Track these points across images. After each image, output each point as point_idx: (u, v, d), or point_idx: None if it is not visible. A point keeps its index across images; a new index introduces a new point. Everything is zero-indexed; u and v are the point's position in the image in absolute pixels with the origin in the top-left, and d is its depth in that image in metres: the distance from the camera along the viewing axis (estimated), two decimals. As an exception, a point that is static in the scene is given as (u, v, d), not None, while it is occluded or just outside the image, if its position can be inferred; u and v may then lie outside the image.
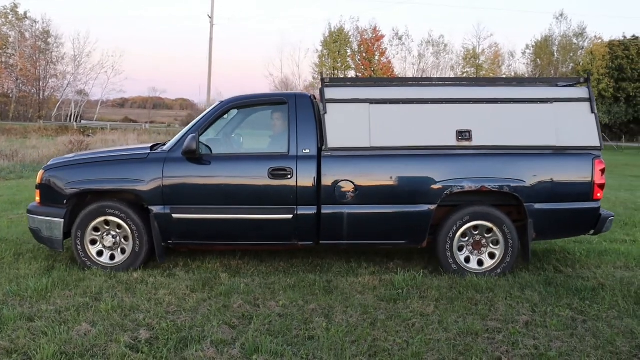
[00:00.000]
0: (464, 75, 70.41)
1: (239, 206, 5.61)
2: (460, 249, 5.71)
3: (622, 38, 68.93)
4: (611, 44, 68.33)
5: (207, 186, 5.68)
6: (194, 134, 5.54)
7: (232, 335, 4.09)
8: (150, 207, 5.63)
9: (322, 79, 5.86)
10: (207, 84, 42.25)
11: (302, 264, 6.10)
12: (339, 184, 5.50)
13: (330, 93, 5.70)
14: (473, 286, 5.27)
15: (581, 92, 5.84)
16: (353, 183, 5.49)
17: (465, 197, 5.66)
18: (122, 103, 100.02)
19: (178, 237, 5.72)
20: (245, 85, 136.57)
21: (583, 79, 6.03)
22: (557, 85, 6.22)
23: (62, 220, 5.69)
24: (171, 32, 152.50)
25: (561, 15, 72.71)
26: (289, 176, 5.53)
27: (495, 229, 5.62)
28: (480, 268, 5.68)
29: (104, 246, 5.79)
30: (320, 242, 5.73)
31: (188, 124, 6.16)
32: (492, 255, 5.70)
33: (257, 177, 5.58)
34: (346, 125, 5.62)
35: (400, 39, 74.21)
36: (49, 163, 6.20)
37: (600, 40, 69.44)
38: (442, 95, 5.78)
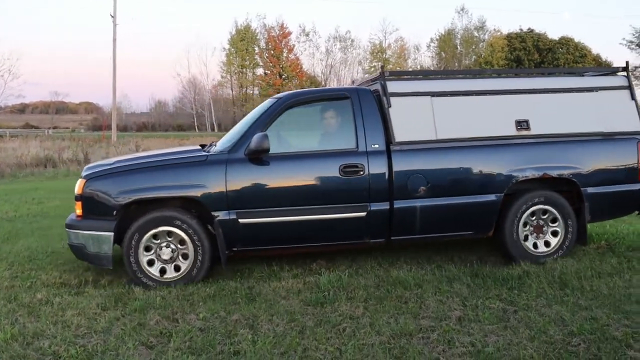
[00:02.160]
0: (372, 69, 71.53)
1: (310, 206, 5.44)
2: (526, 237, 5.93)
3: (519, 30, 72.35)
4: (509, 37, 71.64)
5: (275, 187, 5.44)
6: (263, 133, 5.33)
7: (151, 357, 3.76)
8: (213, 213, 5.30)
9: (383, 72, 5.81)
10: (112, 86, 40.51)
11: (221, 270, 5.80)
12: (412, 177, 5.52)
13: (393, 86, 5.74)
14: (400, 283, 5.18)
15: (621, 80, 6.25)
16: (424, 176, 5.55)
17: (529, 184, 5.86)
18: (22, 109, 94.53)
19: (244, 243, 5.48)
20: (153, 86, 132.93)
21: (622, 68, 6.34)
22: (597, 75, 6.57)
23: (112, 234, 5.23)
24: (73, 33, 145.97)
25: (462, 9, 75.36)
26: (361, 172, 5.47)
27: (557, 213, 5.88)
28: (546, 250, 5.93)
29: (159, 259, 5.39)
30: (392, 238, 5.72)
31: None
32: (548, 243, 5.96)
33: (328, 175, 5.49)
34: (411, 118, 5.67)
35: (307, 35, 74.64)
36: (89, 171, 5.62)
37: (499, 33, 72.68)
38: (498, 87, 6.05)
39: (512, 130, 5.83)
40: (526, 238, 5.92)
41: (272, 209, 5.40)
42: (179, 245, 5.38)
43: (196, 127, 75.30)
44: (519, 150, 5.81)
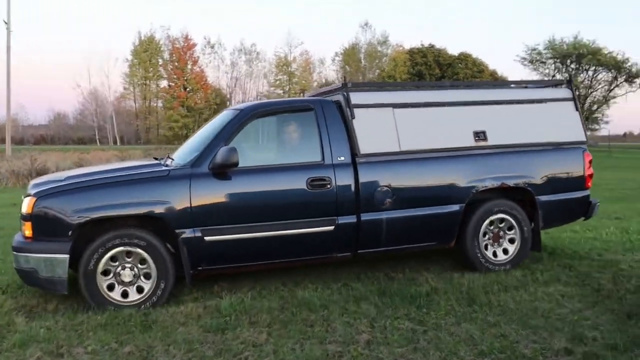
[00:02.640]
0: (277, 82, 71.63)
1: (277, 222, 5.28)
2: (486, 246, 6.04)
3: (420, 46, 74.67)
4: (411, 52, 73.78)
5: (241, 203, 5.23)
6: (230, 146, 5.11)
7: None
8: (177, 231, 5.00)
9: (345, 83, 5.78)
10: (6, 97, 38.04)
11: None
12: (377, 190, 5.50)
13: (356, 98, 5.70)
14: (306, 304, 4.94)
15: (566, 92, 6.54)
16: (390, 188, 5.53)
17: (488, 194, 5.99)
18: None
19: (210, 261, 5.22)
20: (52, 97, 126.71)
21: (566, 80, 6.72)
22: (542, 87, 6.85)
23: (67, 256, 4.79)
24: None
25: (366, 24, 76.99)
26: (328, 185, 5.38)
27: (513, 222, 6.05)
28: (505, 257, 6.08)
29: (118, 281, 5.01)
30: (358, 251, 5.65)
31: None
32: (506, 251, 6.12)
33: (296, 188, 5.34)
34: (374, 130, 5.65)
35: (212, 47, 73.85)
36: (38, 188, 5.09)
37: (401, 48, 74.70)
38: (456, 98, 6.13)
39: (470, 141, 5.95)
40: (486, 247, 6.05)
41: (239, 225, 5.19)
42: (139, 265, 5.04)
43: (97, 141, 72.39)
44: (478, 161, 5.94)
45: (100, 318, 4.66)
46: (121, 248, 4.95)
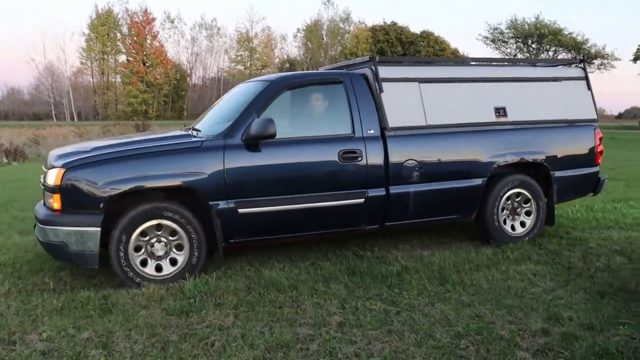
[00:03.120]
0: (238, 58, 70.75)
1: (309, 194, 5.27)
2: (504, 220, 6.21)
3: (382, 23, 74.54)
4: (374, 29, 73.67)
5: (275, 174, 5.20)
6: (268, 117, 5.05)
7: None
8: (211, 203, 4.93)
9: (373, 57, 5.80)
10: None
11: (73, 276, 5.08)
12: (405, 163, 5.55)
13: (384, 72, 5.70)
14: (273, 284, 4.77)
15: (579, 71, 6.72)
16: (417, 161, 5.59)
17: (507, 169, 6.13)
18: None
19: (242, 234, 5.18)
20: (5, 72, 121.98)
21: (579, 60, 6.83)
22: (557, 66, 7.07)
23: (99, 229, 4.68)
24: None
25: (328, 0, 76.25)
26: (359, 158, 5.40)
27: (530, 196, 6.24)
28: (522, 230, 6.28)
29: (150, 255, 4.93)
30: (386, 223, 5.73)
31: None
32: (523, 224, 6.31)
33: (328, 161, 5.35)
34: (402, 104, 5.70)
35: (172, 22, 72.57)
36: (67, 159, 4.89)
37: (364, 25, 74.49)
38: (478, 74, 6.30)
39: (492, 117, 6.09)
40: (504, 221, 6.20)
41: (271, 197, 5.15)
42: (170, 237, 4.95)
43: (54, 116, 70.31)
44: (499, 136, 6.08)
45: (57, 302, 4.43)
46: (153, 222, 4.85)
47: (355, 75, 5.73)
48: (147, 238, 4.89)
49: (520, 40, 59.20)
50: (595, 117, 6.67)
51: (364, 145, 5.42)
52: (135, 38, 66.84)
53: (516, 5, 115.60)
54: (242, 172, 5.06)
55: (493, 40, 61.85)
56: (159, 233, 4.92)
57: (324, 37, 73.42)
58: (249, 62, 72.15)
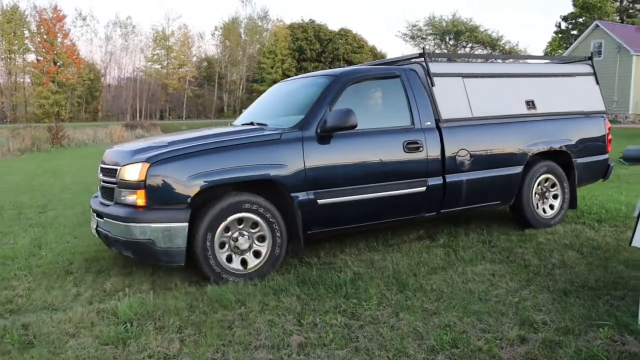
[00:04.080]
0: (155, 57, 69.03)
1: (380, 183, 5.47)
2: (536, 205, 6.67)
3: (301, 21, 74.56)
4: (292, 27, 73.57)
5: (350, 165, 5.37)
6: (347, 108, 5.19)
7: None
8: (293, 195, 5.00)
9: (425, 53, 6.10)
10: None
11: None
12: (458, 152, 5.89)
13: (434, 67, 6.08)
14: (218, 301, 4.35)
15: (588, 68, 7.39)
16: (467, 151, 5.95)
17: (538, 157, 6.60)
18: None
19: (320, 224, 5.30)
20: None
21: (587, 57, 7.54)
22: (570, 63, 7.74)
23: (187, 224, 4.62)
24: None
25: (246, -2, 75.50)
26: (420, 149, 5.67)
27: (556, 180, 6.76)
28: (552, 212, 6.78)
29: (234, 250, 4.90)
30: (441, 211, 6.01)
31: None
32: (552, 207, 6.82)
33: (395, 151, 5.58)
34: (450, 97, 6.07)
35: (84, 19, 69.90)
36: (147, 154, 4.80)
37: (282, 23, 74.21)
38: (510, 70, 7.04)
39: (524, 109, 6.60)
40: (537, 205, 6.65)
41: (346, 187, 5.31)
42: (251, 230, 4.95)
43: (-46, 118, 65.97)
44: (532, 127, 6.58)
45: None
46: (237, 215, 4.83)
47: (409, 70, 6.01)
48: (230, 233, 4.87)
49: (438, 36, 60.67)
50: (604, 109, 7.35)
51: (423, 136, 5.71)
52: (45, 36, 63.72)
53: (434, 2, 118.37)
54: (320, 163, 5.18)
55: (412, 37, 63.10)
56: (241, 227, 4.90)
57: (242, 35, 72.62)
58: (166, 61, 70.33)
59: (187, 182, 4.66)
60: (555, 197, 6.81)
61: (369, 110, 5.88)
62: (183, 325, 3.91)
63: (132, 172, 4.72)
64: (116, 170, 4.95)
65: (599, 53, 40.63)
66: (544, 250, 5.63)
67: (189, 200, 4.66)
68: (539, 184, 6.63)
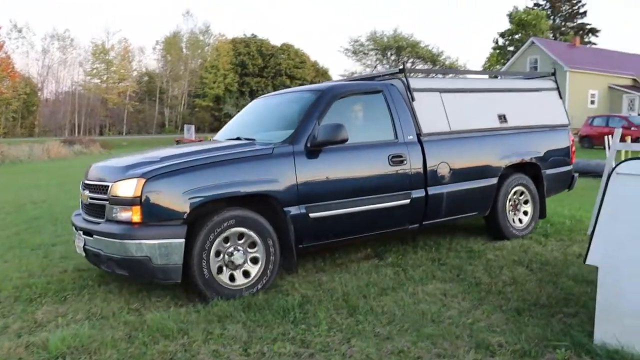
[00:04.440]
0: (94, 71, 67.51)
1: (367, 197, 5.55)
2: (510, 216, 6.90)
3: (243, 36, 74.35)
4: (234, 41, 73.29)
5: (340, 179, 5.44)
6: (337, 123, 5.27)
7: None
8: (285, 209, 5.02)
9: (404, 69, 6.24)
10: None
11: None
12: (439, 165, 6.04)
13: (414, 82, 6.23)
14: (159, 330, 4.08)
15: (552, 83, 7.74)
16: (447, 164, 6.11)
17: (511, 169, 6.81)
18: None
19: (312, 238, 5.32)
20: None
21: (550, 73, 7.86)
22: (535, 78, 8.11)
23: (184, 240, 4.55)
24: None
25: (187, 12, 75.08)
26: (404, 162, 5.80)
27: (527, 192, 7.02)
28: (524, 224, 7.03)
29: (227, 264, 4.84)
30: (424, 222, 6.11)
31: None
32: (526, 213, 7.09)
33: (381, 165, 5.69)
34: (430, 112, 6.21)
35: (19, 31, 67.64)
36: (141, 170, 4.72)
37: (224, 38, 73.84)
38: (483, 85, 7.32)
39: (497, 123, 6.82)
40: (510, 217, 6.88)
41: (335, 201, 5.35)
42: (248, 249, 4.92)
43: None
44: (505, 140, 6.82)
45: None
46: (235, 229, 4.82)
47: (391, 86, 6.14)
48: (228, 244, 4.85)
49: (380, 52, 61.43)
50: (568, 122, 7.67)
51: (407, 150, 5.85)
52: (-23, 49, 61.32)
53: (375, 18, 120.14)
54: (311, 177, 5.22)
55: (354, 52, 63.66)
56: (241, 242, 4.89)
57: (184, 50, 71.82)
58: (106, 75, 68.75)
59: (183, 197, 4.62)
60: (526, 206, 7.08)
61: (355, 124, 5.94)
62: (121, 359, 3.64)
63: (127, 188, 4.62)
64: (105, 186, 4.88)
65: (535, 69, 41.99)
66: (494, 267, 5.58)
67: (185, 215, 4.61)
68: (513, 194, 6.89)
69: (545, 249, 6.31)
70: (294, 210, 5.09)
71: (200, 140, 45.55)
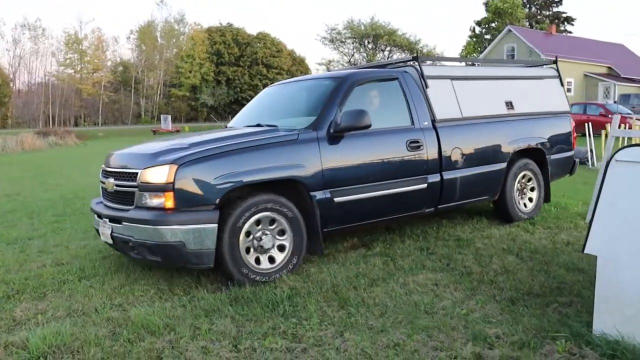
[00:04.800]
0: (67, 61, 66.43)
1: (388, 181, 5.67)
2: (516, 199, 7.10)
3: (219, 25, 73.65)
4: (210, 30, 72.59)
5: (362, 163, 5.54)
6: (360, 109, 5.37)
7: None
8: (312, 194, 5.13)
9: (417, 56, 6.42)
10: None
11: None
12: (453, 151, 6.18)
13: (427, 70, 6.37)
14: (144, 326, 3.93)
15: (553, 71, 7.92)
16: (460, 149, 6.27)
17: (519, 154, 7.02)
18: None
19: (336, 222, 5.44)
20: None
21: (552, 61, 8.24)
22: (538, 66, 8.31)
23: (217, 225, 4.63)
24: None
25: (162, 1, 74.23)
26: (421, 147, 5.92)
27: (533, 176, 7.25)
28: (531, 206, 7.28)
29: (255, 247, 4.92)
30: (439, 207, 6.26)
31: None
32: (531, 199, 7.31)
33: (400, 150, 5.80)
34: (442, 98, 6.35)
35: (-11, 21, 66.35)
36: (172, 156, 4.75)
37: (199, 27, 73.07)
38: (490, 73, 7.39)
39: (504, 110, 6.99)
40: (517, 200, 7.08)
41: (358, 185, 5.46)
42: (277, 236, 5.03)
43: None
44: (513, 126, 6.98)
45: None
46: (259, 215, 4.87)
47: (406, 72, 6.27)
48: (259, 227, 4.91)
49: (357, 40, 61.26)
50: (569, 109, 7.88)
51: (423, 136, 5.97)
52: (-55, 39, 60.01)
53: (352, 6, 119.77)
54: (335, 162, 5.30)
55: (331, 41, 63.38)
56: (272, 228, 4.98)
57: (159, 39, 70.92)
58: (80, 66, 67.66)
59: (215, 183, 4.68)
60: (532, 191, 7.28)
61: (373, 110, 5.88)
62: (105, 358, 3.49)
63: (158, 175, 4.65)
64: (133, 173, 4.88)
65: (512, 57, 42.14)
66: (484, 256, 5.51)
67: (217, 201, 4.68)
68: (522, 178, 7.10)
69: (534, 237, 6.27)
70: (319, 194, 5.18)
71: (177, 130, 45.18)
